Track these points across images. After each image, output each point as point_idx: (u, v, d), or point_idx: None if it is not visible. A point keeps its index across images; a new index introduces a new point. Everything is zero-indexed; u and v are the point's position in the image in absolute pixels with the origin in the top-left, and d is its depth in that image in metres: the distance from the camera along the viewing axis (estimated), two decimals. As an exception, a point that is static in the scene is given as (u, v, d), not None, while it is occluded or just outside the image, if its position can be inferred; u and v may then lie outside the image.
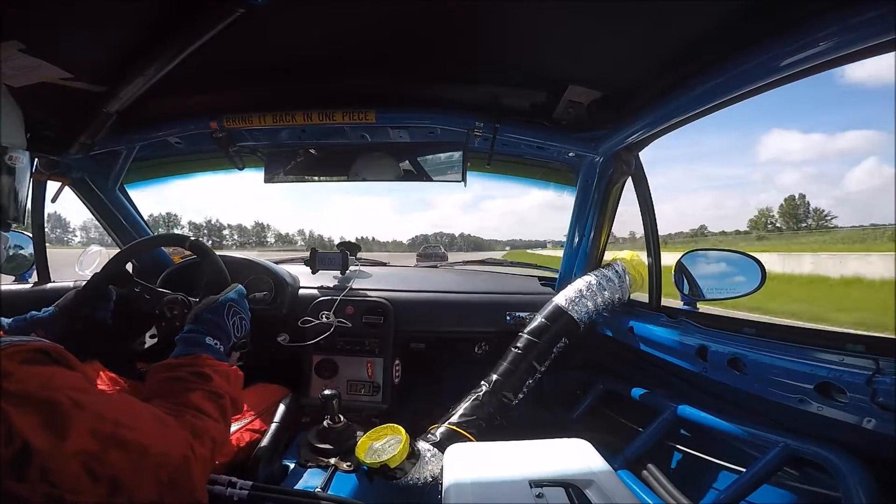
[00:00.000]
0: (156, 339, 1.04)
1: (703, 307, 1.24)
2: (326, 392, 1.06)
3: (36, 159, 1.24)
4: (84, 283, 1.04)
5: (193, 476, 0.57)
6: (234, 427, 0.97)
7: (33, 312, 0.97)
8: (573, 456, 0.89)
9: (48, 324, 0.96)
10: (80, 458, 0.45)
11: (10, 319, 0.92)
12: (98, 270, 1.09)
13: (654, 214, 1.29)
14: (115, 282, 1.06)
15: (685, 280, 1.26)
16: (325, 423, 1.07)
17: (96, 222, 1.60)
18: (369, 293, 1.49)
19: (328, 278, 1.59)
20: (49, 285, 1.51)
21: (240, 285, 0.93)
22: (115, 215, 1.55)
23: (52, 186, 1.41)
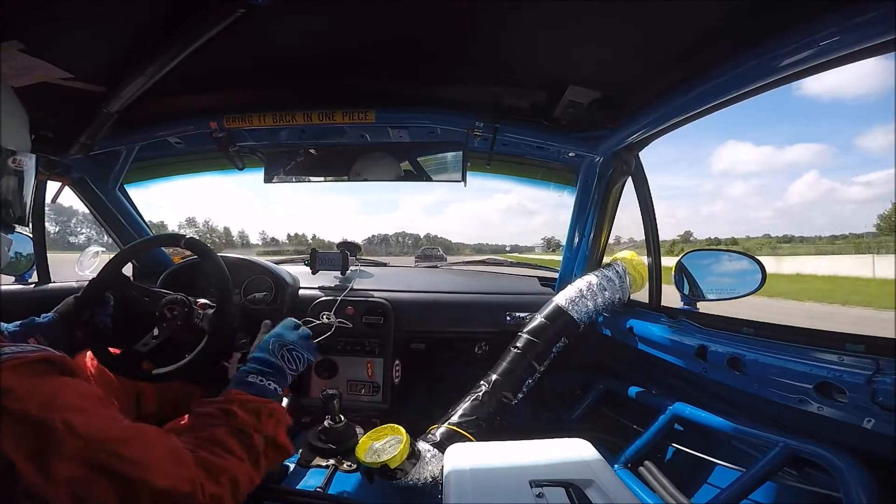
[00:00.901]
0: (158, 340, 1.04)
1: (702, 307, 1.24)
2: (327, 392, 1.06)
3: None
4: (83, 288, 1.04)
5: None
6: None
7: (33, 318, 0.97)
8: (573, 456, 0.88)
9: (48, 329, 0.96)
10: (66, 486, 0.45)
11: (15, 325, 0.92)
12: (97, 273, 1.09)
13: (655, 215, 1.29)
14: (111, 286, 1.05)
15: (685, 280, 1.26)
16: (325, 422, 1.07)
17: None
18: (370, 293, 1.50)
19: (328, 279, 1.60)
20: (50, 285, 1.51)
21: (290, 318, 0.93)
22: (115, 215, 1.55)
23: (52, 186, 1.41)
